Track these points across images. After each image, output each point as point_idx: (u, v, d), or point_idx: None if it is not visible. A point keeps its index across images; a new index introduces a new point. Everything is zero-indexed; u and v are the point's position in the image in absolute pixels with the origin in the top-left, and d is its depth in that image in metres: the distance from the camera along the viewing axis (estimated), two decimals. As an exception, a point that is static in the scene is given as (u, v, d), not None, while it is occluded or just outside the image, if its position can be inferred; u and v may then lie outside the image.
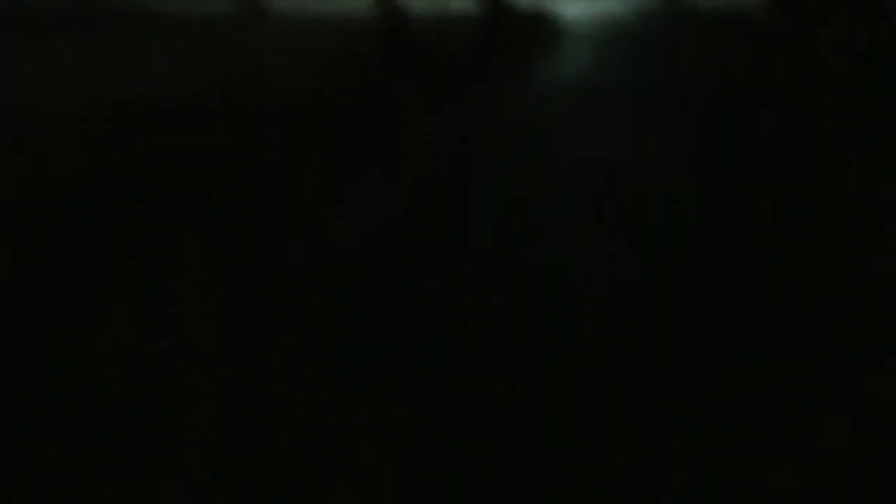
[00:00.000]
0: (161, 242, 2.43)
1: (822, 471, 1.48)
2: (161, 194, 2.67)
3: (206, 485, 1.47)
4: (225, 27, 8.86)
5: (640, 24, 11.61)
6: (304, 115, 3.26)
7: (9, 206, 2.54)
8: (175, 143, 2.95)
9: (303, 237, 2.50)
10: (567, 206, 2.71)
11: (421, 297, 2.12)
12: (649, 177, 2.86)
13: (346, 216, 2.65)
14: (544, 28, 10.75)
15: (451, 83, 3.68)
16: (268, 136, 3.07)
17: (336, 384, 1.75)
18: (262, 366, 1.82)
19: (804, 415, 1.62)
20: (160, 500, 1.43)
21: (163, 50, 5.80)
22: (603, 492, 1.44)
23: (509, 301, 2.08)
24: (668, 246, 2.31)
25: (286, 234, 2.52)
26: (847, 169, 2.47)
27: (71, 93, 3.45)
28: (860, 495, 1.43)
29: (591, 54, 7.95)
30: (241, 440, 1.59)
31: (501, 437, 1.59)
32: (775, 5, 6.87)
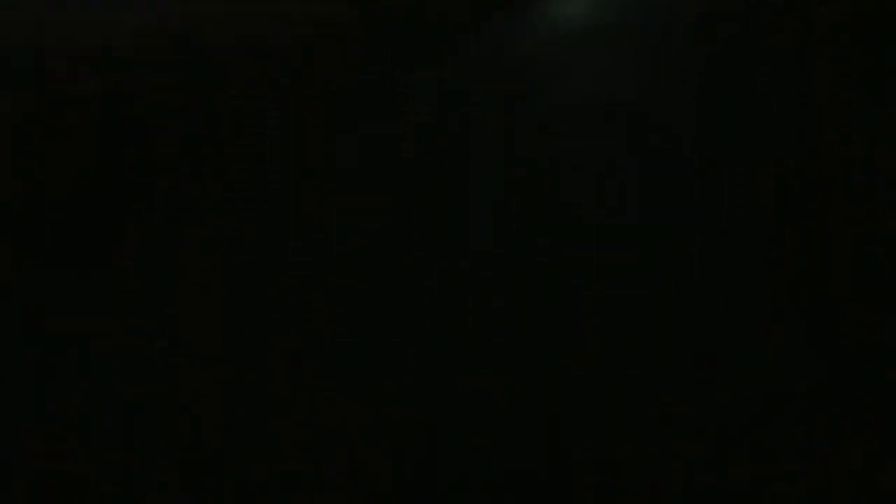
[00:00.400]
0: (161, 185, 2.42)
1: (821, 471, 1.48)
2: (159, 133, 2.64)
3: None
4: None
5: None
6: (303, 58, 3.19)
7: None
8: (173, 82, 2.90)
9: (300, 181, 2.48)
10: (566, 147, 2.68)
11: (420, 244, 2.12)
12: (649, 121, 2.82)
13: (344, 161, 2.62)
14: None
15: (451, 29, 3.59)
16: (261, 88, 3.01)
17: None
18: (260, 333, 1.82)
19: (805, 415, 1.62)
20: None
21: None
22: (603, 492, 1.45)
23: (512, 239, 2.08)
24: (668, 191, 2.30)
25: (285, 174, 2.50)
26: (847, 134, 2.43)
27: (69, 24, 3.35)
28: (860, 495, 1.44)
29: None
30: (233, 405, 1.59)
31: (502, 430, 1.59)
32: None
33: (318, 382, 1.75)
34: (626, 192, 2.61)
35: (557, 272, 2.16)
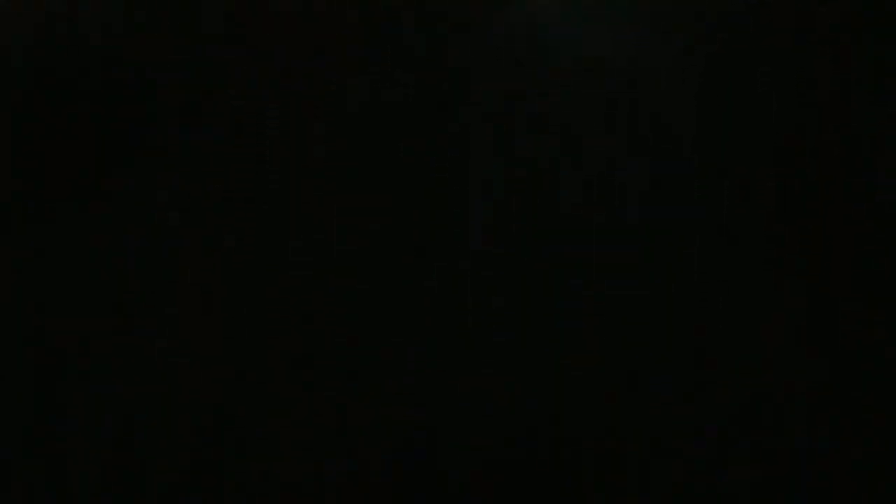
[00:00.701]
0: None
1: (821, 471, 1.48)
2: (156, 132, 2.63)
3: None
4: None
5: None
6: (303, 58, 3.17)
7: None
8: (172, 80, 2.88)
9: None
10: (566, 147, 2.68)
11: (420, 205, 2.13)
12: (649, 121, 2.81)
13: (344, 161, 2.62)
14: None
15: (450, 29, 3.55)
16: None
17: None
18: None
19: (805, 415, 1.62)
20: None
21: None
22: (603, 491, 1.45)
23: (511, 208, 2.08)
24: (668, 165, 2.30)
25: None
26: (847, 134, 2.43)
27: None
28: (860, 495, 1.43)
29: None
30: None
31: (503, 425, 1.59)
32: None
33: (318, 382, 1.75)
34: (626, 192, 2.61)
35: (557, 272, 2.16)
